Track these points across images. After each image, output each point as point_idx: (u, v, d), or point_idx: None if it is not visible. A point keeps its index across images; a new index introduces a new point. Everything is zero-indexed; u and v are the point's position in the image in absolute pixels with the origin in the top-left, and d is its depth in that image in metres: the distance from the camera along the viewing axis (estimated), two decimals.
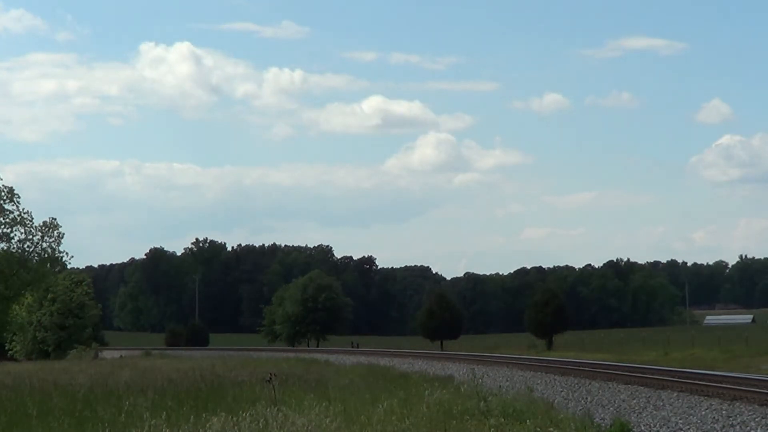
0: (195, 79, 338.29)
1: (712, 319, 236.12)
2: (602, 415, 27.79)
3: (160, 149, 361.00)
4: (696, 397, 29.13)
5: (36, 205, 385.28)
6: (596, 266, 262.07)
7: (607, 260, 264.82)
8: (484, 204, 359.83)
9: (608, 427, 24.64)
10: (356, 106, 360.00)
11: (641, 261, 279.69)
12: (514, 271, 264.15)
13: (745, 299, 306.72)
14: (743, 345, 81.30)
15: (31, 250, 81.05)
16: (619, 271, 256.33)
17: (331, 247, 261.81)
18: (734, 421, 24.22)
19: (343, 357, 77.41)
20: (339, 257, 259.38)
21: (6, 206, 78.61)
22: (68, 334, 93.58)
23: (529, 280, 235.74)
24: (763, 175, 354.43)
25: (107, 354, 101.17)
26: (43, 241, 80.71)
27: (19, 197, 79.20)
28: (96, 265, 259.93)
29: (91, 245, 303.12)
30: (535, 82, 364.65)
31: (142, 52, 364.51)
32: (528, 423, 23.67)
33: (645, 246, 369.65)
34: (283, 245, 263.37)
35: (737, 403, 26.74)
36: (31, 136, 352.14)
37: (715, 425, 24.15)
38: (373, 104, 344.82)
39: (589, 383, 37.21)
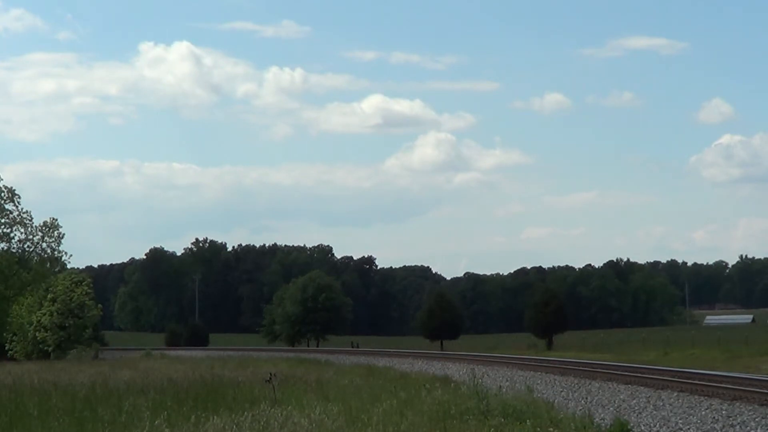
0: (195, 79, 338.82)
1: (712, 319, 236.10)
2: (602, 415, 27.78)
3: (159, 149, 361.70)
4: (696, 397, 29.12)
5: (36, 205, 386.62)
6: (596, 266, 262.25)
7: (607, 260, 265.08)
8: (484, 204, 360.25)
9: (608, 427, 24.62)
10: (356, 105, 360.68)
11: (641, 261, 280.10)
12: (514, 271, 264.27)
13: (745, 299, 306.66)
14: (743, 345, 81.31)
15: (31, 250, 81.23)
16: (619, 271, 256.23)
17: (331, 247, 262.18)
18: (734, 421, 24.22)
19: (343, 357, 77.38)
20: (339, 257, 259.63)
21: (6, 206, 78.76)
22: (68, 334, 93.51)
23: (529, 280, 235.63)
24: (763, 174, 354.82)
25: (107, 354, 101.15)
26: (43, 242, 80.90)
27: (19, 197, 79.42)
28: (96, 265, 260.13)
29: (91, 245, 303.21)
30: (535, 81, 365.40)
31: (141, 51, 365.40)
32: (528, 423, 23.66)
33: (645, 246, 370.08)
34: (283, 245, 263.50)
35: (737, 403, 26.73)
36: (30, 135, 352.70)
37: (715, 425, 24.15)
38: (373, 103, 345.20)
39: (589, 383, 37.20)
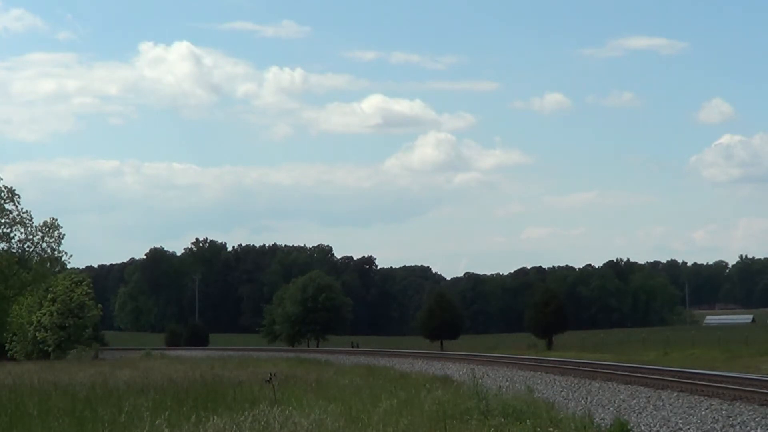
0: (195, 79, 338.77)
1: (712, 319, 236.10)
2: (602, 415, 27.79)
3: (159, 149, 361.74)
4: (696, 397, 29.12)
5: (36, 205, 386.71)
6: (596, 266, 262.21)
7: (607, 260, 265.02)
8: (484, 204, 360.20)
9: (608, 427, 24.64)
10: (356, 105, 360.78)
11: (641, 261, 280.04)
12: (514, 271, 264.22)
13: (745, 299, 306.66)
14: (743, 345, 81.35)
15: (31, 250, 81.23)
16: (619, 271, 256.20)
17: (331, 247, 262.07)
18: (734, 421, 24.22)
19: (343, 357, 77.41)
20: (339, 257, 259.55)
21: (6, 206, 78.78)
22: (68, 334, 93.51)
23: (529, 280, 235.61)
24: (763, 174, 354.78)
25: (107, 354, 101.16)
26: (43, 242, 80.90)
27: (19, 197, 79.43)
28: (96, 265, 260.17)
29: (91, 245, 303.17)
30: (535, 81, 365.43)
31: (141, 51, 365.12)
32: (528, 423, 23.68)
33: (645, 246, 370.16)
34: (283, 245, 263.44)
35: (737, 403, 26.73)
36: (30, 136, 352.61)
37: (715, 425, 24.15)
38: (373, 103, 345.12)
39: (589, 383, 37.21)
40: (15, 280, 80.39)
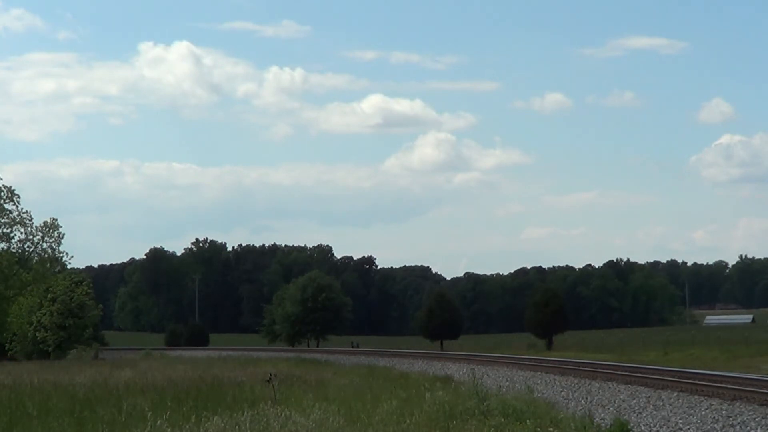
0: (195, 79, 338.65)
1: (712, 319, 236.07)
2: (602, 415, 27.80)
3: (159, 149, 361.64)
4: (696, 397, 29.12)
5: (36, 205, 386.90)
6: (596, 266, 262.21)
7: (607, 260, 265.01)
8: (484, 204, 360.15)
9: (608, 427, 24.64)
10: (356, 105, 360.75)
11: (641, 261, 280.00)
12: (514, 271, 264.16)
13: (745, 299, 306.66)
14: (743, 345, 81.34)
15: (31, 250, 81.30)
16: (619, 271, 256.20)
17: (331, 247, 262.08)
18: (734, 421, 24.22)
19: (343, 357, 77.41)
20: (339, 257, 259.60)
21: (6, 206, 78.84)
22: (68, 334, 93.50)
23: (529, 280, 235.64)
24: (763, 174, 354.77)
25: (107, 354, 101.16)
26: (43, 242, 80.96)
27: (19, 197, 79.50)
28: (96, 265, 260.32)
29: (91, 245, 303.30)
30: (536, 81, 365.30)
31: (141, 51, 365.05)
32: (528, 423, 23.68)
33: (645, 246, 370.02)
34: (283, 245, 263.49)
35: (737, 403, 26.73)
36: (30, 135, 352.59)
37: (715, 425, 24.16)
38: (373, 103, 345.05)
39: (589, 383, 37.21)
40: (15, 280, 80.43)
